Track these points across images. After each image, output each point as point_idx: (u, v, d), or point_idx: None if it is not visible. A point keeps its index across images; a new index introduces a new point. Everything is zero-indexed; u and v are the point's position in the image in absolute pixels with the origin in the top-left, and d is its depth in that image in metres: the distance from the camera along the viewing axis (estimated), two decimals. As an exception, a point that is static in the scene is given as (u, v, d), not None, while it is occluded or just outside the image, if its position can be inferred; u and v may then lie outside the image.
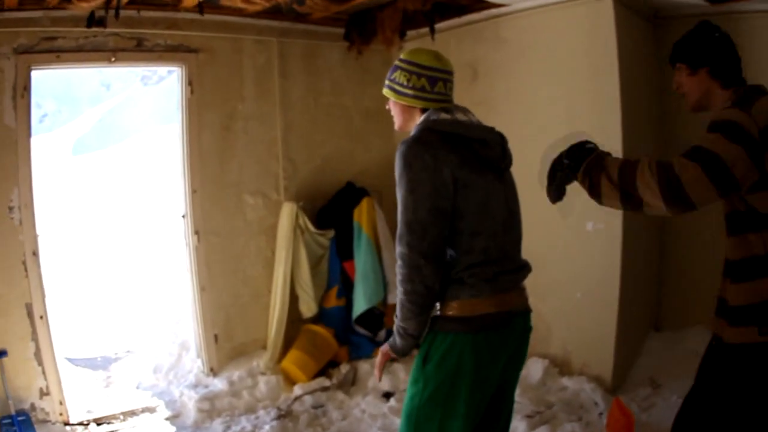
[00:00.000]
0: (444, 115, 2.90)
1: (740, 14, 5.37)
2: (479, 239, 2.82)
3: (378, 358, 3.01)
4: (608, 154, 2.93)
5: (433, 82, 2.94)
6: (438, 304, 2.83)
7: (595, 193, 2.82)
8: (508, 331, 2.88)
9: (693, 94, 3.09)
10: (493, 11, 6.01)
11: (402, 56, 3.01)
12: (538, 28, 5.84)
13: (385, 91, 3.05)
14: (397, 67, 2.99)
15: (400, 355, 2.92)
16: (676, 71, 3.16)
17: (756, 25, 5.37)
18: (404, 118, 3.03)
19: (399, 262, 2.78)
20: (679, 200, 2.56)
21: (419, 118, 2.96)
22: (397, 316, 2.86)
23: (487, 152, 2.89)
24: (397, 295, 2.85)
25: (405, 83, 2.95)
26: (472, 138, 2.86)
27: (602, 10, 5.31)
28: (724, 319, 2.91)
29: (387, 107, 3.11)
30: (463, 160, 2.80)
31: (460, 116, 2.93)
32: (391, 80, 3.01)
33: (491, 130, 3.00)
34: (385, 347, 2.97)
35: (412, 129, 2.96)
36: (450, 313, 2.81)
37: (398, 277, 2.79)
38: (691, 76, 3.06)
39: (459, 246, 2.83)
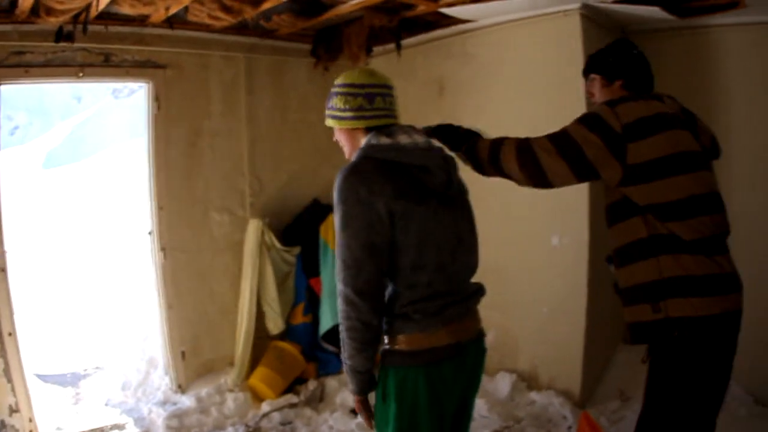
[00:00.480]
0: (384, 140, 2.79)
1: (709, 28, 5.43)
2: (422, 273, 2.75)
3: (359, 411, 2.94)
4: (478, 135, 3.35)
5: (370, 99, 2.83)
6: (386, 338, 2.80)
7: (477, 169, 3.28)
8: (461, 359, 2.84)
9: None
10: (460, 27, 6.04)
11: (336, 82, 2.93)
12: (505, 43, 5.86)
13: (328, 122, 2.96)
14: (334, 94, 2.90)
15: (358, 394, 2.86)
16: (589, 81, 3.43)
17: (724, 39, 5.42)
18: (351, 144, 2.94)
19: (338, 299, 2.74)
20: (537, 176, 3.02)
21: (363, 141, 2.87)
22: (342, 355, 2.81)
23: (429, 179, 2.77)
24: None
25: (343, 107, 2.86)
26: (412, 164, 2.74)
27: (569, 25, 5.35)
28: (622, 301, 3.17)
29: (334, 140, 3.07)
30: (401, 190, 2.70)
31: (402, 139, 2.80)
32: (329, 108, 2.93)
33: (435, 155, 2.85)
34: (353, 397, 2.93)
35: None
36: (398, 347, 2.78)
37: (339, 314, 2.74)
38: (605, 88, 3.30)
39: (401, 281, 2.76)
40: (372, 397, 2.90)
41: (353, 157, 2.85)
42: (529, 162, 2.99)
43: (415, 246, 2.73)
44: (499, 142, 3.16)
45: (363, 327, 2.69)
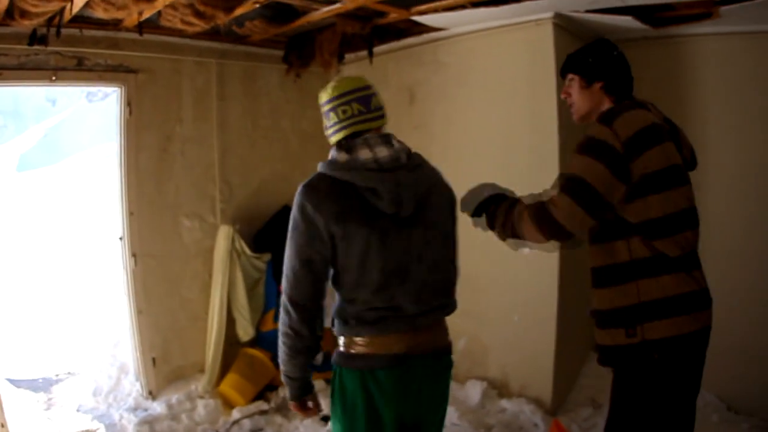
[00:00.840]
0: (342, 156, 2.81)
1: (683, 38, 5.47)
2: (361, 292, 2.83)
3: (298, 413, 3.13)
4: (503, 198, 3.25)
5: (342, 111, 2.86)
6: (337, 340, 2.92)
7: (501, 238, 3.26)
8: (402, 372, 2.88)
9: (583, 106, 3.23)
10: (432, 35, 6.05)
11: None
12: (477, 52, 5.88)
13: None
14: (324, 116, 2.96)
15: (290, 399, 3.03)
16: (567, 81, 3.29)
17: (698, 49, 5.47)
18: None
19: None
20: (557, 233, 2.86)
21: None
22: (279, 359, 2.97)
23: (377, 201, 2.77)
24: None
25: (327, 125, 2.94)
26: (362, 186, 2.76)
27: (542, 34, 5.37)
28: (594, 322, 3.12)
29: None
30: (346, 212, 2.75)
31: (362, 154, 2.80)
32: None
33: (388, 175, 2.80)
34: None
35: None
36: (341, 348, 2.91)
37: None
38: (584, 89, 3.19)
39: (343, 294, 2.88)
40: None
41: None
42: (545, 222, 2.86)
43: (356, 266, 2.80)
44: (511, 213, 3.08)
45: (294, 335, 2.82)
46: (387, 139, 2.89)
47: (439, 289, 3.01)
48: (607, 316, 3.00)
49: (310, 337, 2.84)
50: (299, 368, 2.90)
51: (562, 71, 3.33)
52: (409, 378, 2.90)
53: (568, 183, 2.86)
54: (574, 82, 3.23)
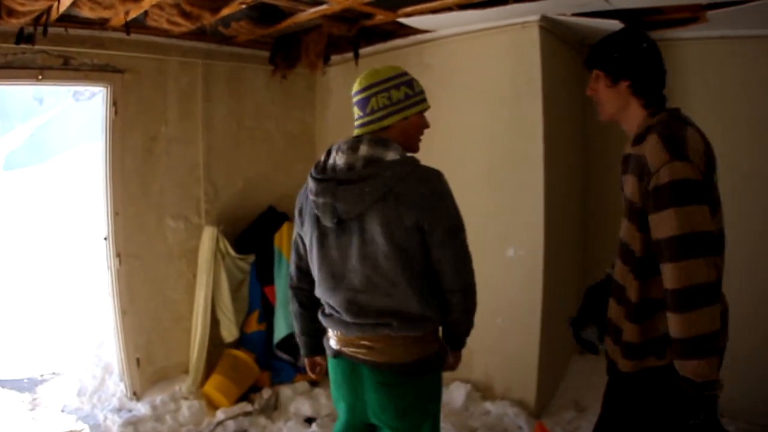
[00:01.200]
0: (322, 158, 2.95)
1: (670, 42, 5.43)
2: (320, 289, 3.07)
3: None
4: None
5: (354, 111, 3.02)
6: None
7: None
8: (338, 364, 3.16)
9: (609, 107, 2.98)
10: (418, 37, 6.05)
11: None
12: (463, 54, 5.88)
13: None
14: None
15: (303, 355, 3.52)
16: (593, 76, 3.00)
17: (684, 53, 5.48)
18: None
19: None
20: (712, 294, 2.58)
21: None
22: None
23: (316, 209, 2.92)
24: None
25: None
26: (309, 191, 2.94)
27: (527, 37, 5.37)
28: (619, 348, 2.94)
29: None
30: (304, 208, 3.04)
31: (331, 159, 2.92)
32: None
33: (328, 186, 2.84)
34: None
35: None
36: None
37: None
38: (610, 88, 2.93)
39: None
40: None
41: None
42: (695, 293, 2.54)
43: (315, 268, 3.03)
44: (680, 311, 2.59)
45: (292, 301, 3.41)
46: (355, 145, 2.90)
47: (379, 309, 2.96)
48: (637, 348, 2.85)
49: (299, 310, 3.35)
50: (301, 332, 3.41)
51: (587, 65, 3.04)
52: (347, 373, 3.10)
53: (687, 245, 2.53)
54: (599, 79, 2.96)
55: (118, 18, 5.19)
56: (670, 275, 2.56)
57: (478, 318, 5.76)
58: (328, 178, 2.85)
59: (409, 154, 3.00)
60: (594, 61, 2.98)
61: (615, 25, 5.16)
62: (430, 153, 5.99)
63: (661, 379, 2.78)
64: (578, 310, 3.36)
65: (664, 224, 2.58)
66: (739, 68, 5.28)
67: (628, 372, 2.89)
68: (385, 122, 2.93)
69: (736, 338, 5.13)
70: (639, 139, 2.82)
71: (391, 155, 2.89)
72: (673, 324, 2.58)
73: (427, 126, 3.15)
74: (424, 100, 3.10)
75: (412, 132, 3.02)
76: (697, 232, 2.53)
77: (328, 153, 2.96)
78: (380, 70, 3.01)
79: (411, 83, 3.04)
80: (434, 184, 2.95)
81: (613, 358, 3.01)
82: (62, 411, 6.24)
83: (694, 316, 2.52)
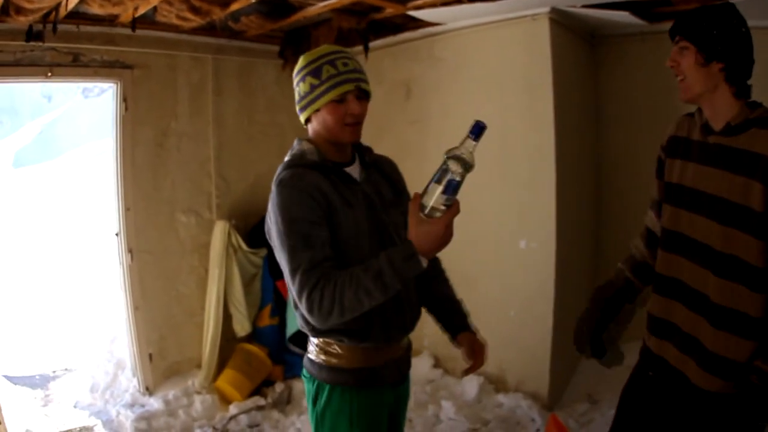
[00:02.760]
0: None
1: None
2: None
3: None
4: None
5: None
6: None
7: None
8: None
9: (695, 86, 2.62)
10: (429, 30, 6.04)
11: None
12: (474, 47, 5.86)
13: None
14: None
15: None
16: (678, 47, 2.65)
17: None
18: None
19: None
20: None
21: None
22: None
23: None
24: None
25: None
26: None
27: (538, 29, 5.34)
28: (692, 359, 2.64)
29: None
30: None
31: None
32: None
33: None
34: None
35: None
36: None
37: None
38: (700, 66, 2.57)
39: None
40: None
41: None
42: None
43: None
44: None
45: None
46: None
47: None
48: (724, 364, 2.57)
49: None
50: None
51: (675, 32, 2.66)
52: None
53: None
54: (688, 53, 2.59)
55: (127, 14, 5.20)
56: None
57: (491, 310, 5.79)
58: None
59: (294, 156, 2.74)
60: (686, 31, 2.60)
61: (625, 16, 5.16)
62: (442, 145, 5.99)
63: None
64: (592, 319, 3.13)
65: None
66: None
67: (715, 392, 2.60)
68: (302, 117, 2.76)
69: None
70: (734, 131, 2.54)
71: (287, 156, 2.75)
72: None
73: (353, 112, 2.62)
74: (335, 86, 2.59)
75: (330, 123, 2.62)
76: None
77: None
78: (301, 58, 2.75)
79: (318, 71, 2.62)
80: (272, 191, 2.66)
81: (683, 370, 2.69)
82: (75, 407, 6.25)
83: None
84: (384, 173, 2.86)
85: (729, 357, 2.51)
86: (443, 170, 2.25)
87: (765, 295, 2.47)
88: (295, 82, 2.71)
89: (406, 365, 2.89)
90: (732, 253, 2.49)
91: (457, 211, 2.30)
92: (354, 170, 2.76)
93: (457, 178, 2.24)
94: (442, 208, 2.27)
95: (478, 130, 2.28)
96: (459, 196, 2.26)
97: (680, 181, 2.73)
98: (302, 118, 2.74)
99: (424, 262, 2.32)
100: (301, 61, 2.69)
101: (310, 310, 2.41)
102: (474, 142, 2.28)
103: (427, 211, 2.27)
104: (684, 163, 2.73)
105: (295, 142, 2.76)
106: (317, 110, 2.62)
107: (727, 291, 2.51)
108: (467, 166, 2.26)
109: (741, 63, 2.56)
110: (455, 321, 3.03)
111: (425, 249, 2.29)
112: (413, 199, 2.31)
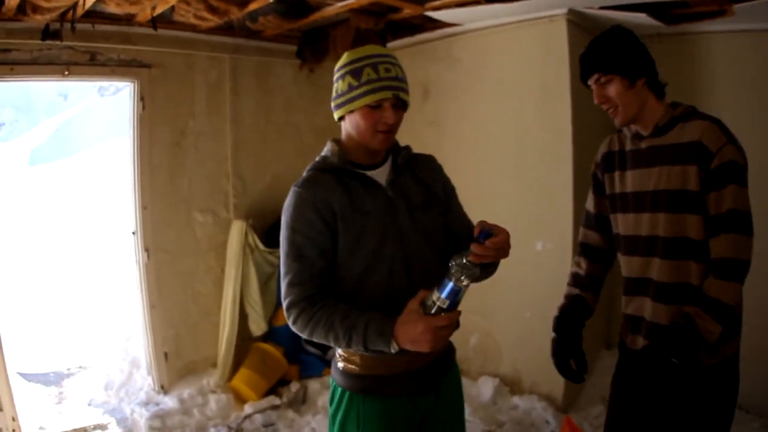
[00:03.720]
0: None
1: (696, 35, 5.44)
2: None
3: None
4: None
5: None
6: None
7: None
8: None
9: (631, 108, 2.83)
10: (447, 31, 6.04)
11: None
12: (491, 47, 5.86)
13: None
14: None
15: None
16: (601, 85, 2.85)
17: (712, 46, 5.44)
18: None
19: None
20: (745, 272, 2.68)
21: None
22: None
23: None
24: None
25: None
26: None
27: (555, 30, 5.35)
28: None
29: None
30: None
31: None
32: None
33: None
34: None
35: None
36: None
37: None
38: (629, 89, 2.80)
39: None
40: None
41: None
42: (742, 272, 2.67)
43: None
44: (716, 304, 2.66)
45: None
46: None
47: None
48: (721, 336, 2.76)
49: None
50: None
51: (591, 71, 2.86)
52: None
53: (743, 221, 2.67)
54: (613, 84, 2.80)
55: (144, 13, 5.21)
56: (730, 245, 2.65)
57: (506, 311, 5.78)
58: None
59: (320, 157, 2.73)
60: (604, 66, 2.81)
61: (642, 18, 5.14)
62: (459, 146, 6.03)
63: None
64: (558, 344, 3.34)
65: (725, 200, 2.64)
66: (764, 62, 5.22)
67: (709, 365, 2.82)
68: (336, 114, 2.68)
69: (762, 335, 5.13)
70: (662, 130, 2.83)
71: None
72: (722, 289, 2.65)
73: (387, 120, 2.54)
74: (373, 91, 2.51)
75: (363, 127, 2.55)
76: (749, 213, 2.66)
77: None
78: (345, 55, 2.66)
79: (359, 72, 2.54)
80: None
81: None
82: (89, 405, 6.28)
83: (735, 287, 2.66)
84: (417, 175, 2.77)
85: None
86: (449, 274, 2.32)
87: (705, 265, 2.74)
88: (334, 77, 2.64)
89: (432, 377, 2.76)
90: (678, 235, 2.78)
91: (451, 323, 2.38)
92: (381, 173, 2.70)
93: (460, 285, 2.31)
94: (440, 308, 2.34)
95: (484, 236, 2.32)
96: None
97: (622, 189, 2.98)
98: (336, 115, 2.68)
99: (394, 348, 2.36)
100: (344, 58, 2.62)
101: (287, 318, 2.55)
102: None
103: (425, 309, 2.36)
104: (622, 173, 2.99)
105: (327, 142, 2.75)
106: (351, 111, 2.57)
107: (674, 270, 2.80)
108: (471, 275, 2.32)
109: (655, 68, 2.87)
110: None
111: (400, 339, 2.35)
112: (418, 293, 2.42)
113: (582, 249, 3.34)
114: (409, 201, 2.68)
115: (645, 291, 2.94)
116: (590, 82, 2.89)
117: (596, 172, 3.17)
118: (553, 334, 3.28)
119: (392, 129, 2.59)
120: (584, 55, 2.90)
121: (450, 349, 2.87)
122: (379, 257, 2.55)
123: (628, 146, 2.97)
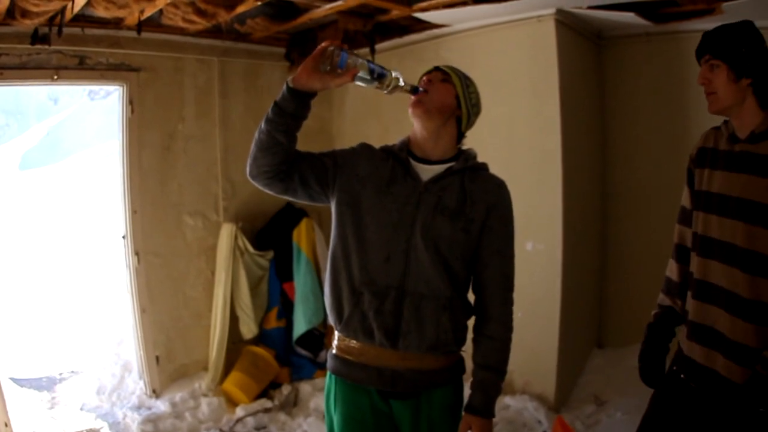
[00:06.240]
0: None
1: (684, 34, 5.44)
2: None
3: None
4: None
5: None
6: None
7: None
8: None
9: (726, 100, 2.77)
10: (435, 32, 6.04)
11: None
12: (480, 48, 5.85)
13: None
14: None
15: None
16: (708, 65, 2.80)
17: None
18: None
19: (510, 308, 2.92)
20: None
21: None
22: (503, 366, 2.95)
23: None
24: (504, 335, 2.90)
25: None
26: None
27: (544, 30, 5.34)
28: (719, 353, 2.73)
29: None
30: None
31: None
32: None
33: None
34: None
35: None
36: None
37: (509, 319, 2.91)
38: (732, 82, 2.72)
39: None
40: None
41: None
42: None
43: None
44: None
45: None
46: None
47: None
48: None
49: None
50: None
51: (704, 52, 2.82)
52: None
53: None
54: (719, 70, 2.75)
55: (132, 17, 5.21)
56: None
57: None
58: None
59: None
60: (716, 50, 2.76)
61: (630, 17, 5.15)
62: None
63: None
64: (645, 351, 3.18)
65: None
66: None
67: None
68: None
69: None
70: (758, 138, 2.70)
71: None
72: None
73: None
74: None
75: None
76: None
77: None
78: None
79: None
80: None
81: (726, 374, 2.72)
82: (81, 409, 6.26)
83: None
84: (467, 188, 2.80)
85: (750, 345, 2.60)
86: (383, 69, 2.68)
87: None
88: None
89: (405, 384, 2.76)
90: (755, 249, 2.62)
91: (342, 76, 2.65)
92: (428, 169, 2.83)
93: (372, 72, 2.67)
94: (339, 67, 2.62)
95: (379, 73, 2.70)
96: None
97: (709, 188, 2.85)
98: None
99: (290, 83, 2.61)
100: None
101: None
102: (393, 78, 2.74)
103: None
104: (711, 171, 2.86)
105: None
106: None
107: (754, 285, 2.61)
108: (380, 79, 2.70)
109: (766, 77, 2.69)
110: (469, 398, 2.91)
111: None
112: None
113: (676, 250, 3.17)
114: (440, 202, 2.74)
115: (716, 300, 2.79)
116: (702, 61, 2.85)
117: (690, 166, 3.07)
118: (643, 341, 3.17)
119: (422, 99, 2.86)
120: (706, 33, 2.86)
121: (446, 366, 2.95)
122: (383, 241, 2.69)
123: (722, 146, 2.88)
